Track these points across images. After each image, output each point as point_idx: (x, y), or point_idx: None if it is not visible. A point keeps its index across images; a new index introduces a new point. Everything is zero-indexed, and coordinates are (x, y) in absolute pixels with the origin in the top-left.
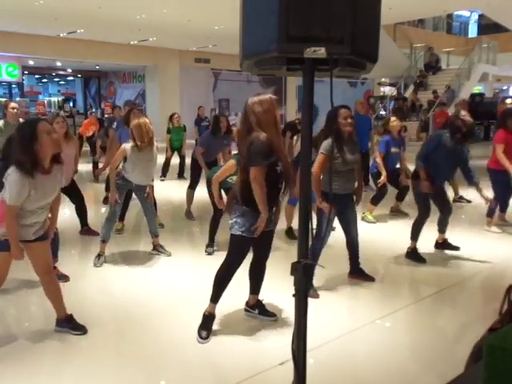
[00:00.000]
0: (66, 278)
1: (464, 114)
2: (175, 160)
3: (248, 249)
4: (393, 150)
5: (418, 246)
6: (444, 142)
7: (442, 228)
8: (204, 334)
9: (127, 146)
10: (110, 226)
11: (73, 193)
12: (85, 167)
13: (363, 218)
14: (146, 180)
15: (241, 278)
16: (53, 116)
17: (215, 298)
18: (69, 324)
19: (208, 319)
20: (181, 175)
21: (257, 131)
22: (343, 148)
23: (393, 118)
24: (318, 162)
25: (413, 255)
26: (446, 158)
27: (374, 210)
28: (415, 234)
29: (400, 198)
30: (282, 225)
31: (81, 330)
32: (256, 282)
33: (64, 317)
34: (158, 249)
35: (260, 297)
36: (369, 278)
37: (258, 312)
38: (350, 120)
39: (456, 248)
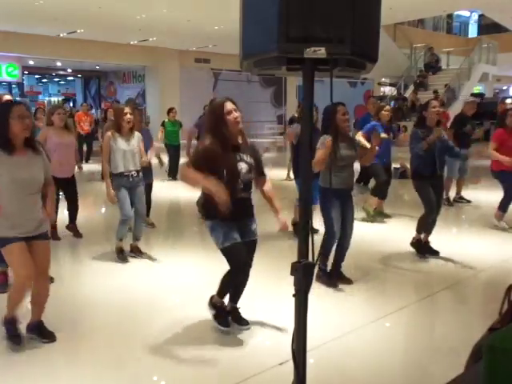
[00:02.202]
0: (50, 280)
1: (434, 104)
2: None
3: (239, 253)
4: (382, 135)
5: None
6: (420, 135)
7: (428, 228)
8: (223, 322)
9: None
10: (122, 227)
11: (70, 188)
12: (87, 167)
13: (363, 208)
14: (132, 166)
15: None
16: (54, 106)
17: (221, 295)
18: (38, 331)
19: (221, 309)
20: (173, 176)
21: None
22: (339, 144)
23: (386, 107)
24: (317, 156)
25: (421, 248)
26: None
27: (375, 203)
28: (421, 228)
29: (382, 195)
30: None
31: (49, 337)
32: (235, 291)
33: (36, 322)
34: (134, 251)
35: (238, 305)
36: (347, 281)
37: (231, 318)
38: (347, 116)
39: (436, 252)
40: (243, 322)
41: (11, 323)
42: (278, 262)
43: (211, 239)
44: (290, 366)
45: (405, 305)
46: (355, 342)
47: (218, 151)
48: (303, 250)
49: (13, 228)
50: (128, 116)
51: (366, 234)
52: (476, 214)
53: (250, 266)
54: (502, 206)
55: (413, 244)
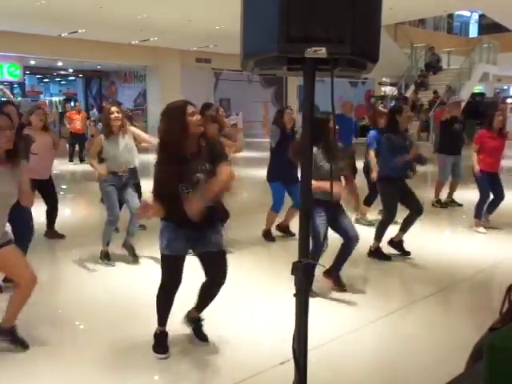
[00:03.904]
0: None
1: (407, 109)
2: None
3: (177, 267)
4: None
5: (381, 246)
6: (392, 139)
7: (406, 227)
8: (162, 350)
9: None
10: (108, 229)
11: (47, 190)
12: (81, 167)
13: (358, 221)
14: (126, 164)
15: (239, 276)
16: (33, 107)
17: (161, 321)
18: (9, 336)
19: (160, 337)
20: None
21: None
22: (327, 156)
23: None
24: None
25: (377, 254)
26: (394, 151)
27: (367, 211)
28: (380, 234)
29: (368, 202)
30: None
31: (21, 344)
32: (202, 301)
33: (8, 327)
34: (128, 249)
35: (204, 315)
36: (341, 289)
37: (193, 329)
38: (335, 128)
39: (407, 253)
40: (202, 337)
41: None
42: (279, 261)
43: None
44: (291, 365)
45: (405, 305)
46: (356, 342)
47: (172, 172)
48: (304, 250)
49: None
50: (115, 114)
51: (364, 235)
52: (472, 216)
53: (218, 283)
54: (487, 209)
55: (371, 253)
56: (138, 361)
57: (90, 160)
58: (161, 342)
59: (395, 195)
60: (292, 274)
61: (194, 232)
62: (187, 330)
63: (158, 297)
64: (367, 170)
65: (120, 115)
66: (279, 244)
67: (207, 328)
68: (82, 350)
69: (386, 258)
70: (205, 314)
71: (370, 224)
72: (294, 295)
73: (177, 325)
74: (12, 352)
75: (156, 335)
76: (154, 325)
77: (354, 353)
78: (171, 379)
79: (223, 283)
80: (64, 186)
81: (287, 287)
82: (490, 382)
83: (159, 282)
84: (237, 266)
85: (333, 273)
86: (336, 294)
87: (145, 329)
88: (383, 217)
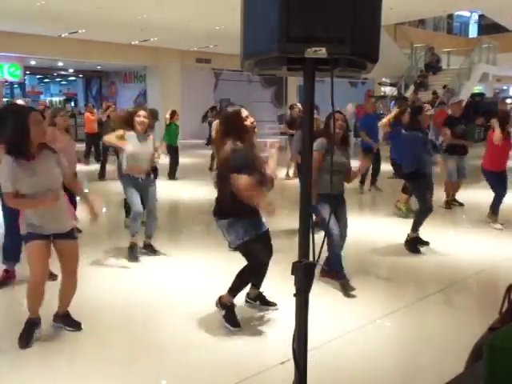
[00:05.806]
0: (53, 277)
1: (428, 107)
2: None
3: (260, 248)
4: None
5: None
6: (419, 137)
7: (416, 226)
8: (234, 322)
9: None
10: (134, 223)
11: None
12: (92, 167)
13: (396, 206)
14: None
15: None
16: (56, 108)
17: (235, 293)
18: (64, 320)
19: (231, 308)
20: (173, 176)
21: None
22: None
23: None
24: (315, 161)
25: (410, 245)
26: (420, 148)
27: (404, 199)
28: (419, 226)
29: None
30: (279, 226)
31: (77, 326)
32: (257, 278)
33: (62, 313)
34: (147, 248)
35: (260, 289)
36: (346, 282)
37: (260, 303)
38: (341, 123)
39: (425, 243)
40: (271, 303)
41: (27, 323)
42: (281, 260)
43: (227, 237)
44: (291, 365)
45: (405, 304)
46: (356, 342)
47: (252, 154)
48: (304, 250)
49: (37, 226)
50: (141, 118)
51: (364, 233)
52: (477, 215)
53: (268, 257)
54: (492, 208)
55: (408, 242)
56: (139, 359)
57: (109, 139)
58: (233, 314)
59: (424, 187)
60: (292, 274)
61: (255, 218)
62: (186, 331)
63: (242, 276)
64: (394, 163)
65: (146, 120)
66: (281, 243)
67: (207, 328)
68: (96, 346)
69: (417, 250)
70: (205, 314)
71: (404, 215)
72: (294, 295)
73: (175, 326)
74: (25, 348)
75: (227, 307)
76: (165, 323)
77: (354, 353)
78: (171, 379)
79: (270, 256)
80: None
81: (288, 287)
82: (490, 381)
83: (253, 263)
84: (237, 264)
85: (329, 271)
86: (336, 294)
87: (156, 326)
88: (420, 208)
